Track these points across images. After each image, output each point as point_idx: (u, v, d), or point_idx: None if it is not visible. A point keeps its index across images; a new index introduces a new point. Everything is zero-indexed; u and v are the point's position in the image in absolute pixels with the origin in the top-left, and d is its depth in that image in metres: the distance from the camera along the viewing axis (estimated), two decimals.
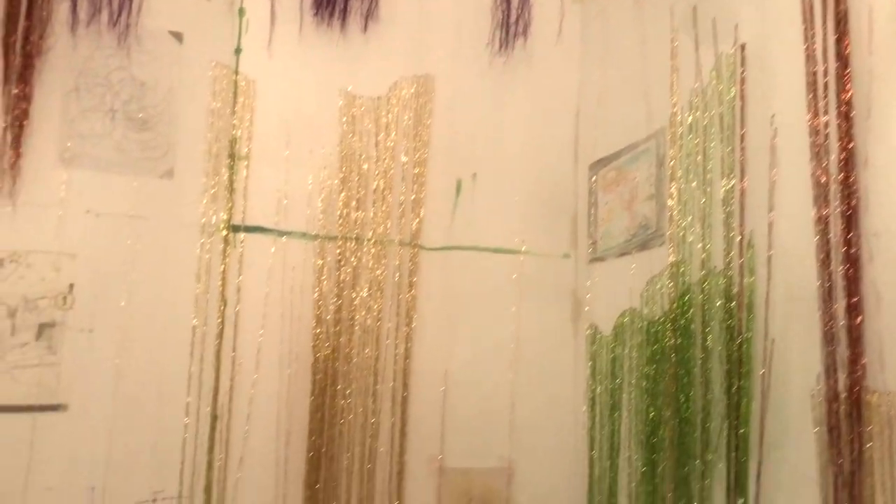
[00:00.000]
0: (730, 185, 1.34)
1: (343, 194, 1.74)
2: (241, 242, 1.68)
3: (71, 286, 1.59)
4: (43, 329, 1.57)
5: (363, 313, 1.71)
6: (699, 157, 1.42)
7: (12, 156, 1.57)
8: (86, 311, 1.58)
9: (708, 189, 1.39)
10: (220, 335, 1.65)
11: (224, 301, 1.65)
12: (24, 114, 1.58)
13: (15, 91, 1.58)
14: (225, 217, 1.68)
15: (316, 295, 1.70)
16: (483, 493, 1.75)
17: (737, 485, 1.25)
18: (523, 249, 1.83)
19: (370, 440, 1.68)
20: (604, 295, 1.70)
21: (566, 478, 1.75)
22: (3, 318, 1.56)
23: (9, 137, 1.57)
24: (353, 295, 1.72)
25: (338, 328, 1.69)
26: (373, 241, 1.74)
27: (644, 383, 1.49)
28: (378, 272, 1.74)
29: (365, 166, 1.76)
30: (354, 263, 1.73)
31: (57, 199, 1.58)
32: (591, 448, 1.65)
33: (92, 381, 1.57)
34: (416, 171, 1.79)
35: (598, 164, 1.79)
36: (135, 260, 1.62)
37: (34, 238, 1.57)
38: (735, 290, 1.30)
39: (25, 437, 1.51)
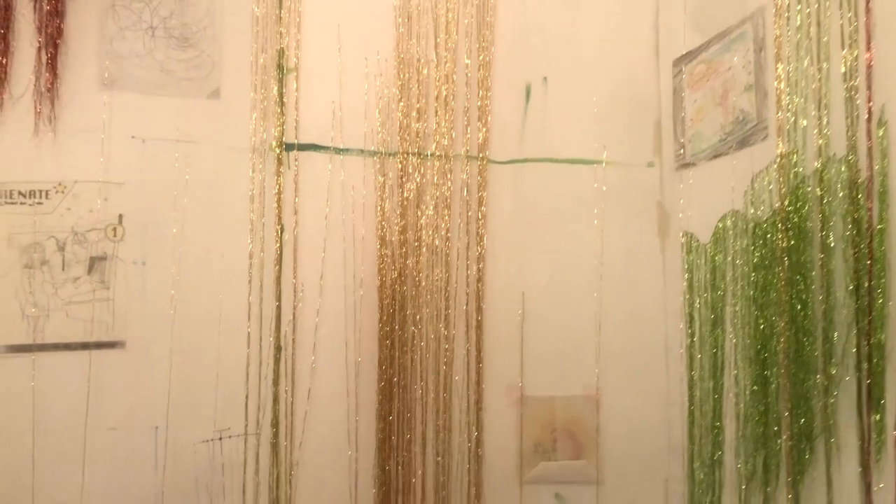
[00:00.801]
0: (853, 57, 1.13)
1: (402, 104, 1.59)
2: (295, 162, 1.55)
3: (120, 217, 1.50)
4: (94, 263, 1.48)
5: (430, 233, 1.58)
6: (811, 30, 1.21)
7: (49, 78, 1.46)
8: (137, 242, 1.48)
9: (824, 65, 1.19)
10: (279, 261, 1.53)
11: (281, 225, 1.54)
12: (58, 31, 1.46)
13: (47, 7, 1.47)
14: (277, 135, 1.55)
15: (378, 215, 1.57)
16: (568, 423, 1.62)
17: (870, 400, 1.08)
18: (603, 159, 1.65)
19: (444, 368, 1.56)
20: (697, 201, 1.52)
21: (661, 403, 1.60)
22: (53, 251, 1.47)
23: (44, 58, 1.46)
24: (419, 214, 1.58)
25: (404, 250, 1.56)
26: (437, 155, 1.59)
27: (751, 292, 1.31)
28: (444, 188, 1.59)
29: (424, 71, 1.60)
30: (418, 180, 1.58)
31: (99, 124, 1.47)
32: (691, 368, 1.49)
33: (148, 316, 1.48)
34: (481, 74, 1.62)
35: (684, 59, 1.59)
36: (185, 186, 1.51)
37: (79, 167, 1.47)
38: (862, 176, 1.11)
39: (83, 376, 1.44)
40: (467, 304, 1.58)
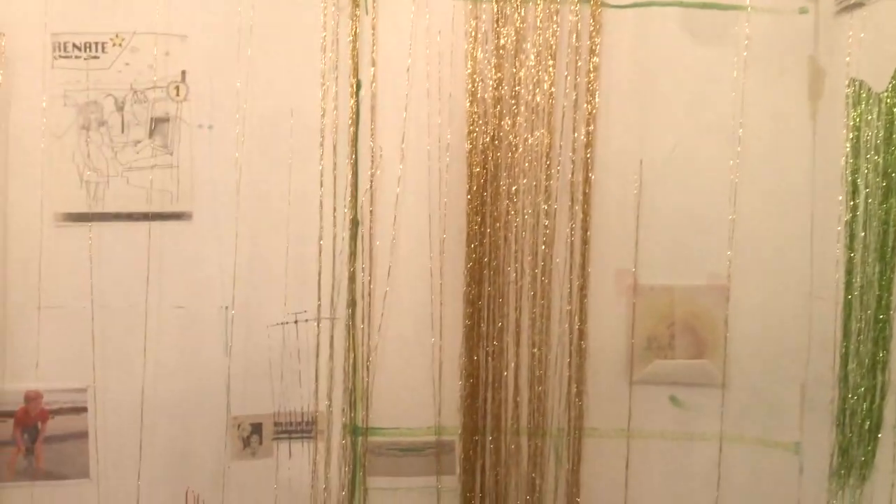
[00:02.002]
0: None
1: None
2: (374, 4, 1.35)
3: (183, 73, 1.34)
4: (156, 125, 1.35)
5: (530, 88, 1.34)
6: None
7: None
8: (202, 103, 1.34)
9: None
10: (355, 121, 1.35)
11: (357, 80, 1.34)
12: None
13: None
14: None
15: (469, 67, 1.34)
16: (689, 316, 1.39)
17: None
18: (746, 4, 1.35)
19: (543, 249, 1.35)
20: (866, 48, 1.21)
21: (804, 295, 1.35)
22: (111, 111, 1.34)
23: None
24: (517, 65, 1.34)
25: (499, 108, 1.34)
26: None
27: None
28: (548, 35, 1.34)
29: None
30: (517, 24, 1.34)
31: None
32: (850, 248, 1.21)
33: (216, 186, 1.35)
34: None
35: None
36: (251, 38, 1.33)
37: (137, 17, 1.32)
38: None
39: (146, 249, 1.33)
40: (573, 174, 1.35)
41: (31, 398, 1.32)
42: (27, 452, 1.32)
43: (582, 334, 1.35)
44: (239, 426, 1.38)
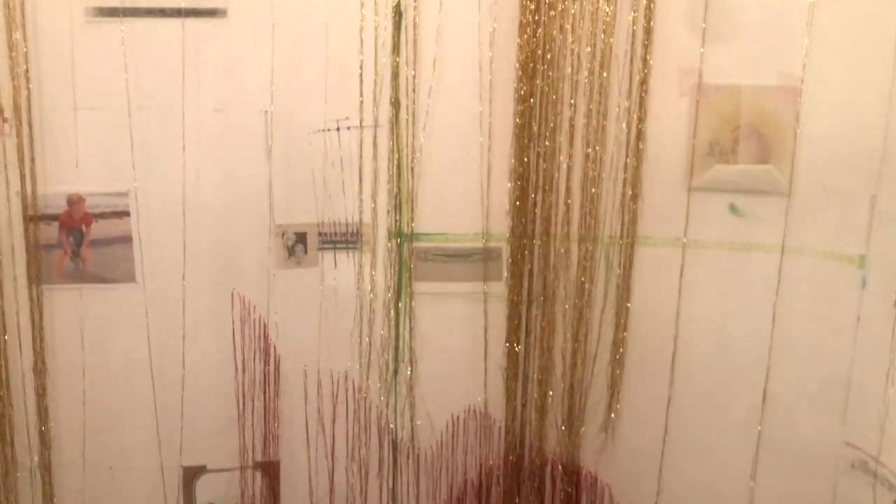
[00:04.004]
0: None
1: None
2: None
3: None
4: None
5: None
6: None
7: None
8: None
9: None
10: None
11: None
12: None
13: None
14: None
15: None
16: (756, 118, 1.29)
17: None
18: None
19: (602, 39, 1.24)
20: None
21: (884, 97, 1.23)
22: None
23: None
24: None
25: None
26: None
27: None
28: None
29: None
30: None
31: None
32: None
33: None
34: None
35: None
36: None
37: None
38: None
39: (181, 48, 1.26)
40: None
41: (74, 201, 1.30)
42: (74, 256, 1.32)
43: (640, 134, 1.27)
44: (283, 234, 1.35)
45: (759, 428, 1.31)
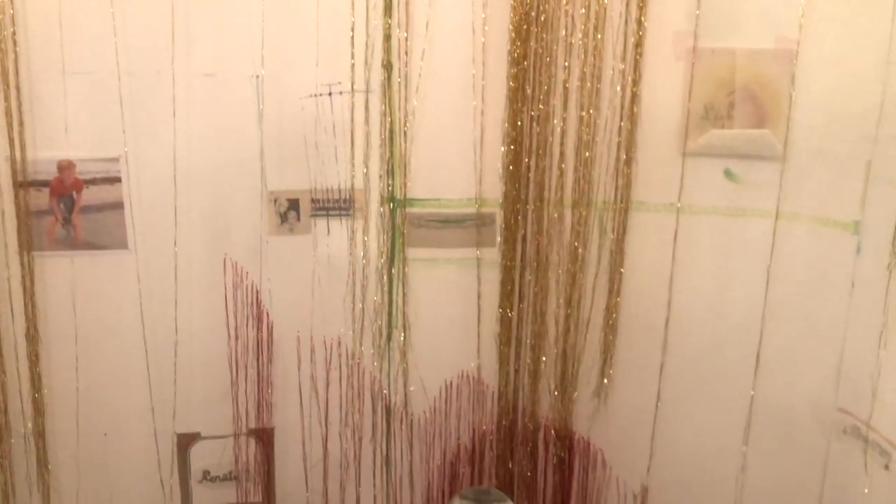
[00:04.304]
0: None
1: None
2: None
3: None
4: None
5: None
6: None
7: None
8: None
9: None
10: None
11: None
12: None
13: None
14: None
15: None
16: (751, 82, 1.27)
17: None
18: None
19: (596, 1, 1.23)
20: None
21: (881, 62, 1.22)
22: None
23: None
24: None
25: None
26: None
27: None
28: None
29: None
30: None
31: None
32: None
33: None
34: None
35: None
36: None
37: None
38: None
39: (170, 11, 1.24)
40: None
41: (64, 167, 1.29)
42: (65, 222, 1.31)
43: (635, 98, 1.26)
44: (276, 201, 1.34)
45: (752, 393, 1.32)
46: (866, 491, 1.21)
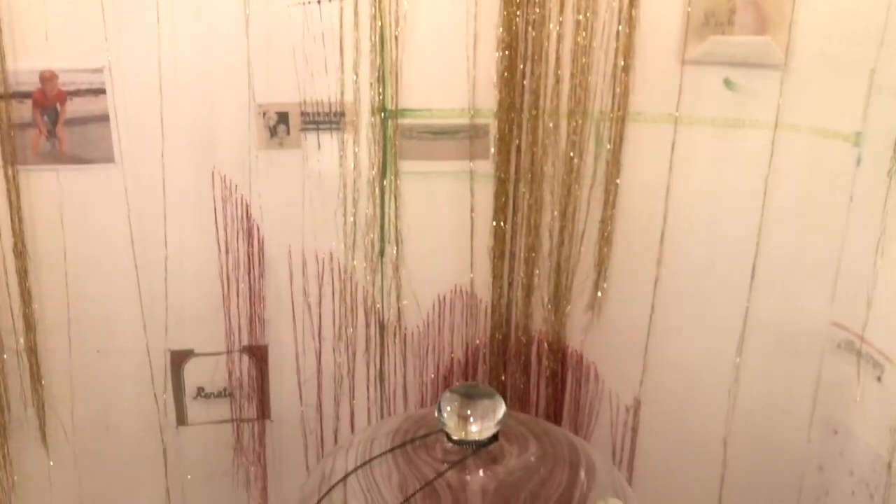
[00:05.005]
0: None
1: None
2: None
3: None
4: None
5: None
6: None
7: None
8: None
9: None
10: None
11: None
12: None
13: None
14: None
15: None
16: None
17: None
18: None
19: None
20: None
21: None
22: None
23: None
24: None
25: None
26: None
27: None
28: None
29: None
30: None
31: None
32: None
33: None
34: None
35: None
36: None
37: None
38: None
39: None
40: None
41: (47, 78, 1.25)
42: (49, 135, 1.28)
43: (633, 1, 1.22)
44: (264, 114, 1.31)
45: (747, 305, 1.31)
46: (858, 399, 1.22)
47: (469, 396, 0.98)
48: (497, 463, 0.99)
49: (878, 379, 1.19)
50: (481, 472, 0.98)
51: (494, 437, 0.99)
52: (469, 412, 0.97)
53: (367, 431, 1.11)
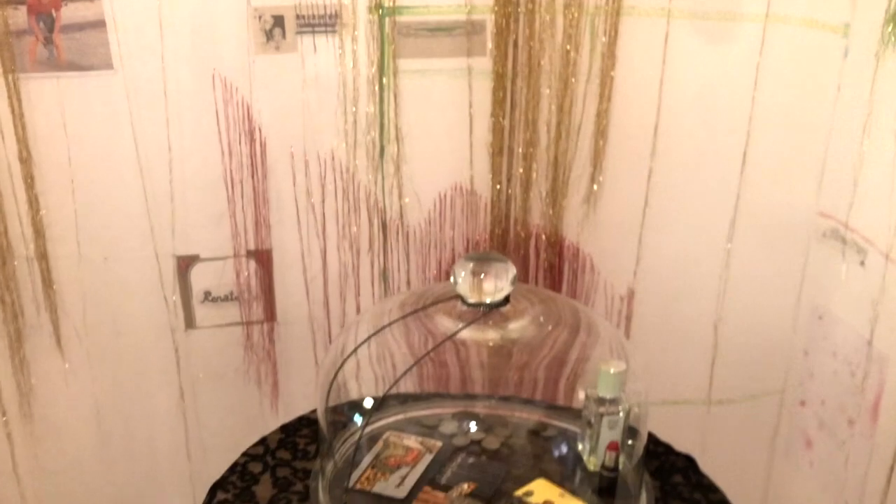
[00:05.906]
0: None
1: None
2: None
3: None
4: None
5: None
6: None
7: None
8: None
9: None
10: None
11: None
12: None
13: None
14: None
15: None
16: None
17: None
18: None
19: None
20: None
21: None
22: None
23: None
24: None
25: None
26: None
27: None
28: None
29: None
30: None
31: None
32: None
33: None
34: None
35: None
36: None
37: None
38: None
39: None
40: None
41: None
42: (46, 42, 1.28)
43: None
44: (260, 18, 1.31)
45: (738, 193, 1.35)
46: (843, 280, 1.27)
47: (482, 260, 1.03)
48: (509, 322, 1.04)
49: (862, 263, 1.24)
50: (495, 332, 1.03)
51: (506, 300, 1.04)
52: (483, 273, 1.02)
53: (376, 307, 1.14)
